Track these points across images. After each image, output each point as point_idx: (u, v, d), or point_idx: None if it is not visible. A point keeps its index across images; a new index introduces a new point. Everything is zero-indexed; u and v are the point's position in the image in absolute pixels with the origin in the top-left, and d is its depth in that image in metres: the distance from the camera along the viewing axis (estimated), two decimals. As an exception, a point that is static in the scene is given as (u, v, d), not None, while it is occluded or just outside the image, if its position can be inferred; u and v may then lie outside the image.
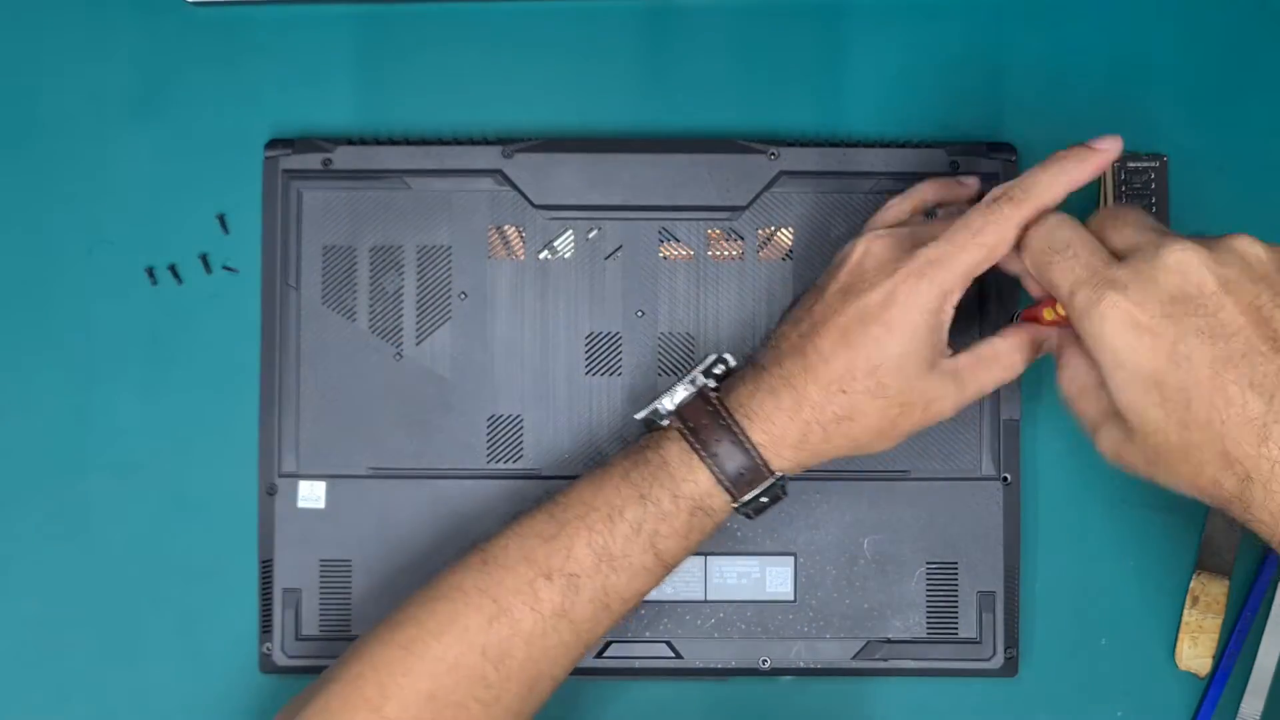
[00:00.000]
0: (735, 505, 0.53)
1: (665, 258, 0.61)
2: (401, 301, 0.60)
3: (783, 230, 0.61)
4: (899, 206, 0.56)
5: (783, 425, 0.52)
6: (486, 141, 0.61)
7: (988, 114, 0.62)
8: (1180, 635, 0.61)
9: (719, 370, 0.55)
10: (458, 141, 0.60)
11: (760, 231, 0.61)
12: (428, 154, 0.60)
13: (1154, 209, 0.61)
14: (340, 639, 0.59)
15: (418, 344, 0.60)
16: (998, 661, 0.60)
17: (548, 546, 0.52)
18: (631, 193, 0.60)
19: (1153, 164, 0.61)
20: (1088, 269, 0.48)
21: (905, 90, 0.62)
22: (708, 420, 0.52)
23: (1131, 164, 0.61)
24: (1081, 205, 0.62)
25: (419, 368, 0.60)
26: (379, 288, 0.60)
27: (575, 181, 0.60)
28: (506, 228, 0.61)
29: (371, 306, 0.60)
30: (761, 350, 0.54)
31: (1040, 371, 0.61)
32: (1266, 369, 0.45)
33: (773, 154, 0.60)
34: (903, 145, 0.61)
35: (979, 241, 0.51)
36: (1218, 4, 0.63)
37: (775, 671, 0.60)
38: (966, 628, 0.60)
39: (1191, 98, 0.62)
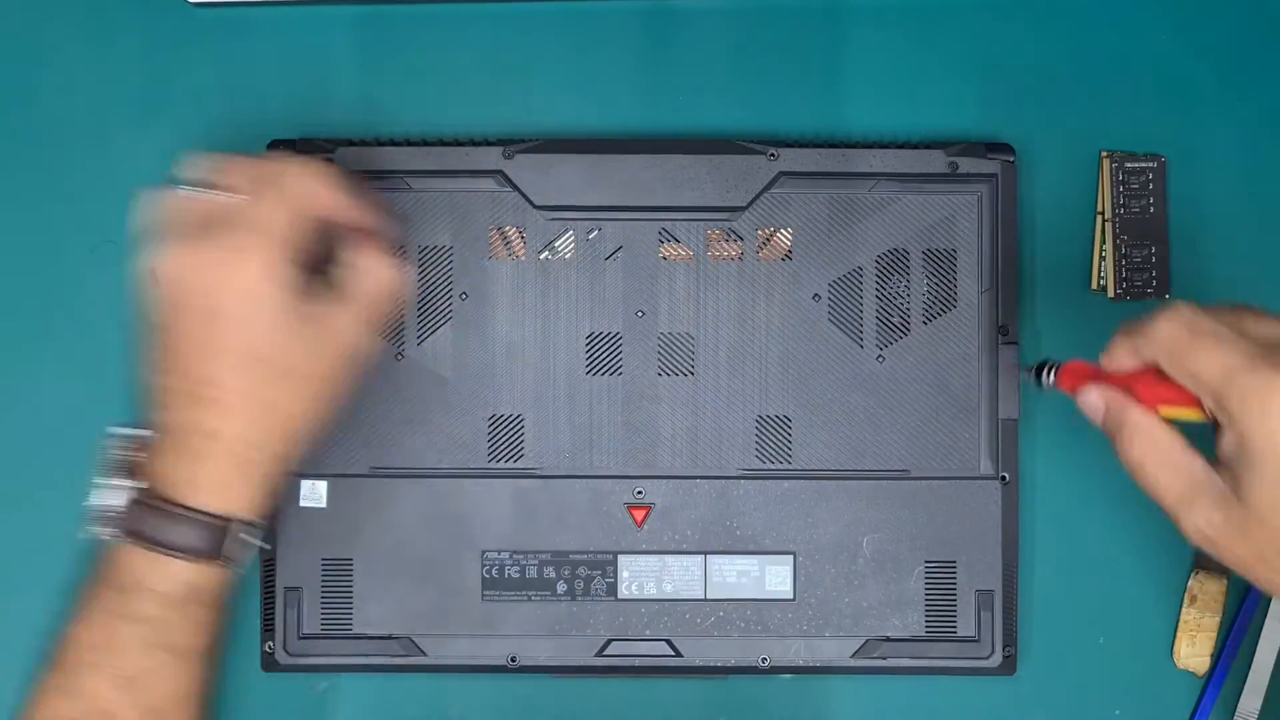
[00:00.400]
0: (223, 563, 0.52)
1: (665, 258, 0.61)
2: (402, 301, 0.60)
3: (782, 230, 0.61)
4: None
5: (209, 473, 0.52)
6: (487, 142, 0.61)
7: (987, 114, 0.62)
8: (1178, 634, 0.61)
9: (125, 455, 0.54)
10: (459, 142, 0.61)
11: (760, 232, 0.61)
12: (428, 155, 0.60)
13: (1152, 209, 0.61)
14: (342, 638, 0.60)
15: (419, 344, 0.60)
16: (996, 660, 0.60)
17: (70, 701, 0.52)
18: (631, 193, 0.60)
19: (1152, 164, 0.62)
20: (1248, 353, 0.45)
21: (905, 91, 0.62)
22: (142, 512, 0.52)
23: (1131, 164, 0.62)
24: (1080, 207, 0.62)
25: (420, 368, 0.60)
26: (380, 288, 0.60)
27: (575, 182, 0.60)
28: (507, 228, 0.61)
29: (372, 306, 0.60)
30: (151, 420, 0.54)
31: (1039, 371, 0.62)
32: None
33: (772, 154, 0.60)
34: (902, 146, 0.61)
35: (284, 193, 0.52)
36: (1216, 4, 0.63)
37: (775, 670, 0.60)
38: (965, 626, 0.60)
39: (1191, 98, 0.62)
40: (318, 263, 0.53)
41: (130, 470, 0.53)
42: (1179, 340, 0.46)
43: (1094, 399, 0.49)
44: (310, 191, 0.53)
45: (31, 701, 0.53)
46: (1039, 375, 0.53)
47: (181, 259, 0.51)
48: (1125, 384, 0.49)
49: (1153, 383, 0.48)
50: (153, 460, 0.53)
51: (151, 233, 0.52)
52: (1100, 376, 0.50)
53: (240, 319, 0.51)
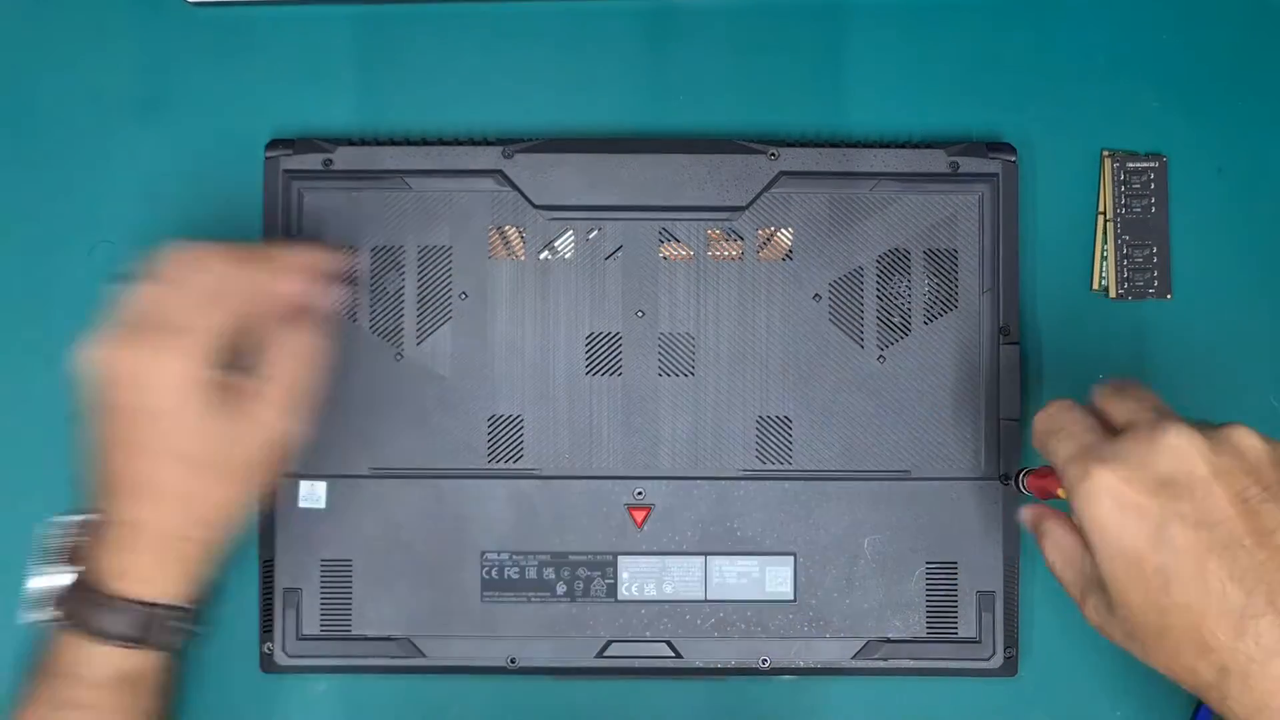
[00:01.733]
0: (154, 648, 0.54)
1: (665, 258, 0.61)
2: (402, 301, 0.60)
3: (782, 230, 0.61)
4: None
5: (135, 563, 0.53)
6: (487, 142, 0.61)
7: (988, 114, 0.62)
8: (1180, 635, 0.61)
9: (66, 542, 0.56)
10: (458, 142, 0.61)
11: (760, 231, 0.61)
12: (428, 154, 0.60)
13: (1154, 209, 0.61)
14: (341, 639, 0.60)
15: (418, 344, 0.60)
16: (997, 661, 0.60)
17: None
18: (631, 193, 0.60)
19: (1152, 164, 0.62)
20: (1080, 446, 0.48)
21: (905, 90, 0.62)
22: (76, 599, 0.53)
23: (1131, 164, 0.61)
24: (1081, 207, 0.62)
25: (420, 368, 0.60)
26: (380, 288, 0.60)
27: (575, 182, 0.60)
28: (507, 228, 0.61)
29: (372, 306, 0.60)
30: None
31: (1039, 375, 0.61)
32: (1248, 562, 0.45)
33: (772, 154, 0.60)
34: (903, 145, 0.61)
35: (268, 267, 0.54)
36: (1218, 4, 0.63)
37: (775, 671, 0.60)
38: (966, 627, 0.60)
39: (1191, 98, 0.62)
40: (240, 353, 0.54)
41: (70, 556, 0.55)
42: (1041, 434, 0.51)
43: (1024, 513, 0.53)
44: (240, 289, 0.53)
45: None
46: (1017, 482, 0.58)
47: (108, 355, 0.53)
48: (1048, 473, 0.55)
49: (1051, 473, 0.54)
50: (88, 548, 0.54)
51: (94, 326, 0.53)
52: (1043, 474, 0.55)
53: (161, 417, 0.52)
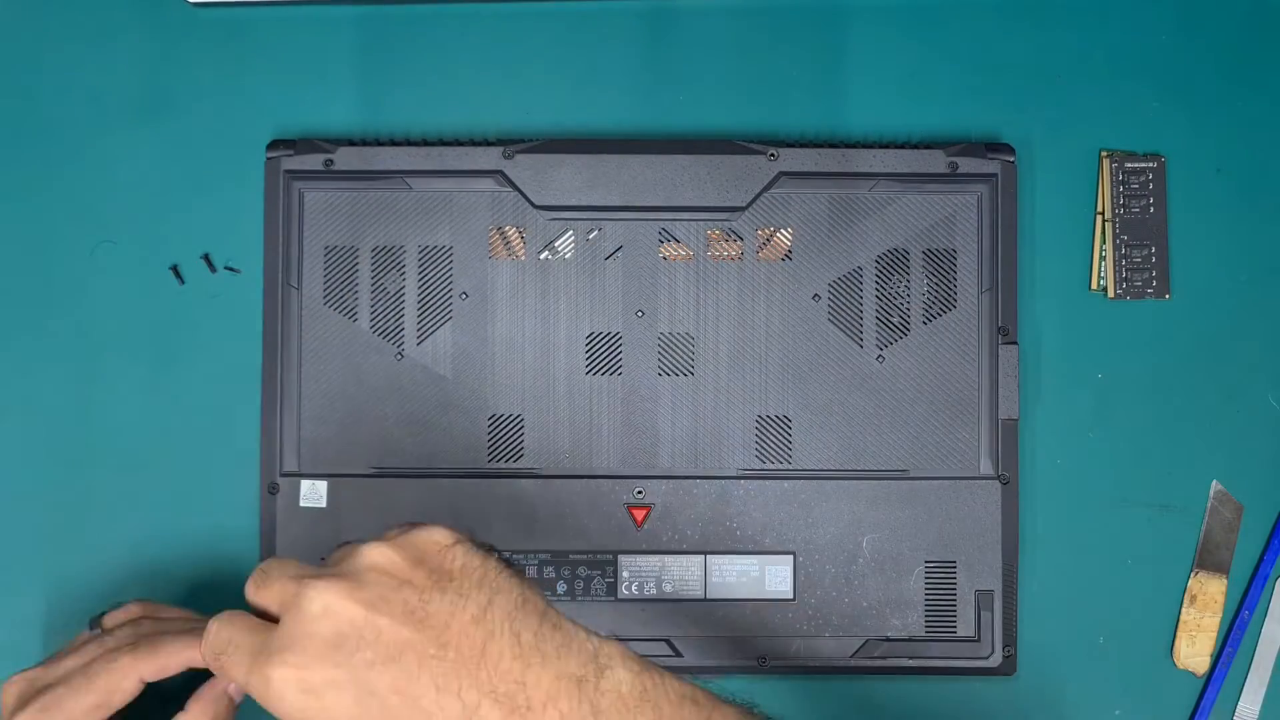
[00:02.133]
0: None
1: (665, 258, 0.61)
2: (402, 301, 0.60)
3: (782, 231, 0.61)
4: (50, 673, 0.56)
5: None
6: (487, 142, 0.61)
7: (987, 114, 0.62)
8: (1178, 634, 0.61)
9: None
10: (458, 142, 0.61)
11: (760, 232, 0.61)
12: (429, 155, 0.60)
13: (1152, 209, 0.62)
14: (342, 637, 0.60)
15: (419, 344, 0.60)
16: (996, 660, 0.60)
17: None
18: (631, 193, 0.61)
19: (1151, 164, 0.62)
20: (249, 654, 0.46)
21: (904, 91, 0.62)
22: None
23: (1130, 164, 0.62)
24: (1079, 207, 0.62)
25: (420, 367, 0.60)
26: (380, 288, 0.61)
27: (575, 182, 0.60)
28: (507, 228, 0.61)
29: (373, 306, 0.60)
30: None
31: (1039, 371, 0.62)
32: (444, 668, 0.43)
33: (772, 154, 0.60)
34: (902, 146, 0.61)
35: (92, 686, 0.52)
36: (1217, 4, 0.63)
37: (774, 670, 0.60)
38: (965, 626, 0.60)
39: (1190, 98, 0.62)
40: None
41: None
42: (211, 661, 0.48)
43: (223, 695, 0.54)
44: (116, 684, 0.53)
45: None
46: None
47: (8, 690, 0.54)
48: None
49: None
50: None
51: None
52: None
53: None
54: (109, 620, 0.57)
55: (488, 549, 0.47)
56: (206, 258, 0.62)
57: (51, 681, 0.53)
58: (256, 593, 0.47)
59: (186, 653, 0.53)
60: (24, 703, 0.53)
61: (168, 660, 0.53)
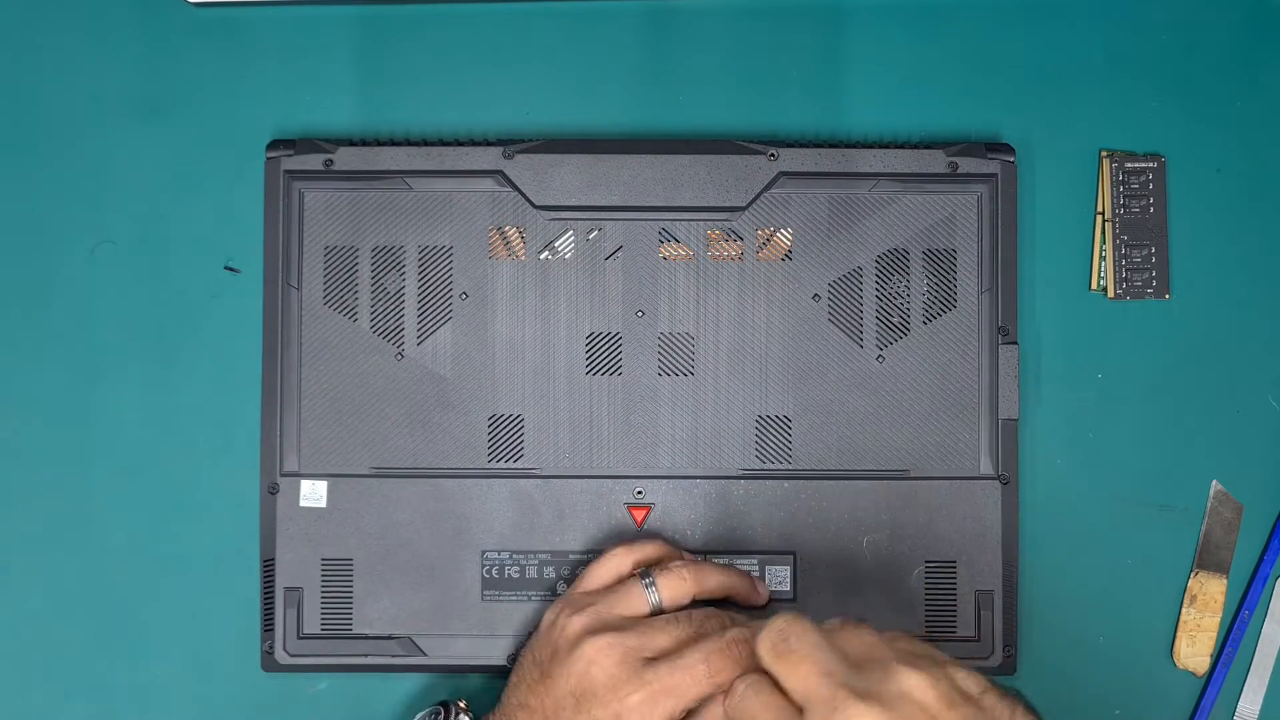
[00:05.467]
0: None
1: (665, 258, 0.61)
2: (403, 302, 0.60)
3: (782, 231, 0.61)
4: (609, 566, 0.56)
5: None
6: (487, 142, 0.61)
7: (987, 114, 0.62)
8: (1178, 634, 0.61)
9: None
10: (459, 142, 0.61)
11: (760, 232, 0.61)
12: (429, 155, 0.60)
13: (1152, 209, 0.62)
14: (341, 638, 0.60)
15: (419, 344, 0.61)
16: (996, 660, 0.60)
17: None
18: (631, 193, 0.61)
19: (1151, 164, 0.62)
20: (828, 683, 0.44)
21: (904, 91, 0.62)
22: None
23: (1130, 164, 0.62)
24: (1079, 207, 0.62)
25: (420, 367, 0.60)
26: (380, 288, 0.61)
27: (575, 182, 0.60)
28: (507, 228, 0.61)
29: (373, 307, 0.60)
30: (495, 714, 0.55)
31: (1039, 371, 0.62)
32: None
33: (772, 154, 0.60)
34: (902, 145, 0.61)
35: (714, 681, 0.51)
36: (1216, 4, 0.63)
37: (775, 670, 0.60)
38: (965, 626, 0.60)
39: (1190, 98, 0.62)
40: None
41: None
42: (769, 654, 0.47)
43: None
44: (722, 683, 0.52)
45: None
46: None
47: (603, 655, 0.53)
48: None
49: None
50: None
51: None
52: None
53: None
54: (664, 586, 0.55)
55: (1015, 695, 0.45)
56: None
57: (656, 655, 0.52)
58: (776, 661, 0.46)
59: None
60: (633, 672, 0.52)
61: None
